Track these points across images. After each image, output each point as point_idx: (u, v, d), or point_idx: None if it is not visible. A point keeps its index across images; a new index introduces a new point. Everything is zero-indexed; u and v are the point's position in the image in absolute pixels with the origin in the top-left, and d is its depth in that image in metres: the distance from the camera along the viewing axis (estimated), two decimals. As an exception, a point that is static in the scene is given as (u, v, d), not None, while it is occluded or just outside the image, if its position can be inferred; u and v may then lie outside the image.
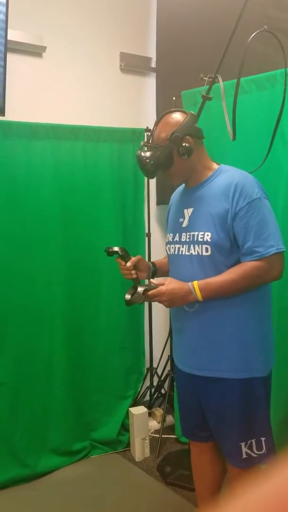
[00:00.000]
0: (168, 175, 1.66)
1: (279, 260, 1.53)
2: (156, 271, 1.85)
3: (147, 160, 1.58)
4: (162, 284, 1.57)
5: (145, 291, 1.56)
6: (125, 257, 1.71)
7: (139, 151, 1.61)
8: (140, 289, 1.57)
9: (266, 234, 1.50)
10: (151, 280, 1.64)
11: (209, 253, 1.56)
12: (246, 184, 1.53)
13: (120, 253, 1.70)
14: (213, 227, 1.55)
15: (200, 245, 1.58)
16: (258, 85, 2.12)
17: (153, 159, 1.58)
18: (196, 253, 1.59)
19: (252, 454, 1.59)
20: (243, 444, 1.59)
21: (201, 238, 1.57)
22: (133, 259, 1.72)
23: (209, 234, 1.55)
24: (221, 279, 1.53)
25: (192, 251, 1.61)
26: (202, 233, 1.57)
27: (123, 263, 1.72)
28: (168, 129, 1.58)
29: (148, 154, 1.59)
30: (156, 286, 1.57)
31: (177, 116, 1.62)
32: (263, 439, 1.59)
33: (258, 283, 1.55)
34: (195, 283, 1.54)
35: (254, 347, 1.58)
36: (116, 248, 1.70)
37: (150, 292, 1.56)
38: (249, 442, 1.59)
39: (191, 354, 1.67)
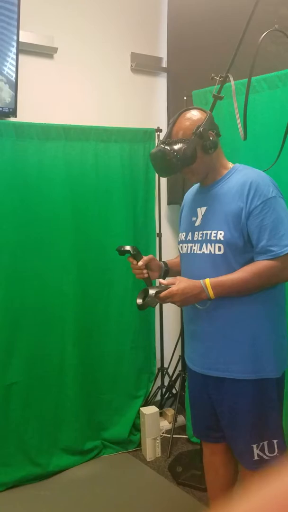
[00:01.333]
0: (187, 173, 1.63)
1: None
2: (168, 270, 1.84)
3: (174, 154, 1.51)
4: (173, 284, 1.55)
5: (157, 293, 1.52)
6: (136, 256, 1.70)
7: (156, 149, 1.55)
8: (152, 292, 1.52)
9: (281, 233, 1.49)
10: (160, 280, 1.61)
11: (221, 251, 1.55)
12: (261, 183, 1.52)
13: (131, 252, 1.68)
14: (226, 226, 1.54)
15: (212, 244, 1.57)
16: (270, 84, 2.10)
17: (179, 153, 1.51)
18: (208, 252, 1.58)
19: (264, 456, 1.58)
20: (255, 446, 1.58)
21: (214, 236, 1.56)
22: (145, 258, 1.71)
23: (222, 232, 1.54)
24: (234, 277, 1.52)
25: (204, 250, 1.60)
26: (215, 231, 1.56)
27: (134, 262, 1.71)
28: (190, 124, 1.56)
29: (175, 147, 1.52)
30: (167, 287, 1.55)
31: (197, 113, 1.61)
32: (275, 441, 1.58)
33: (271, 282, 1.54)
34: (207, 280, 1.53)
35: (267, 347, 1.57)
36: (127, 247, 1.69)
37: (162, 294, 1.53)
38: (261, 444, 1.57)
39: (203, 354, 1.66)
